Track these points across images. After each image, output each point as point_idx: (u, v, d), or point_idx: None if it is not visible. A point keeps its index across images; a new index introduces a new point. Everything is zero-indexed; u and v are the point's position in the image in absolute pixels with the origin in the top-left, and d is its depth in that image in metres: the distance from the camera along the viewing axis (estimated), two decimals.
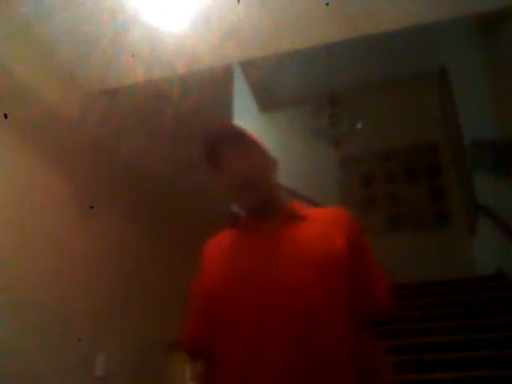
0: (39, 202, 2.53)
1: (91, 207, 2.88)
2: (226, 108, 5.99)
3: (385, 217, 6.31)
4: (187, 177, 4.20)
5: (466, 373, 2.85)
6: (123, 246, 3.22)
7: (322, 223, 1.16)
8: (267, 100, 7.64)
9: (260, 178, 1.17)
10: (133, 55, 2.65)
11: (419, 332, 3.45)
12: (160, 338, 3.44)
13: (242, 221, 1.24)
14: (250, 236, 1.19)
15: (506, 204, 4.20)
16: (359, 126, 6.20)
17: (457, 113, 5.87)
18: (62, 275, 2.58)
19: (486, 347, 3.14)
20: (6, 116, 2.24)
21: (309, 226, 1.15)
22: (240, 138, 1.19)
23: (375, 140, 6.64)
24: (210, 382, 1.15)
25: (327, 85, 6.51)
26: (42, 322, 2.40)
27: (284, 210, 1.20)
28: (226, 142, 1.19)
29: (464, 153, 5.48)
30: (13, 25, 2.45)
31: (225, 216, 5.37)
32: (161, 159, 3.79)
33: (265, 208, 1.20)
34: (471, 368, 2.91)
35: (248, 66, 6.24)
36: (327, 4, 2.35)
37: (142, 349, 3.19)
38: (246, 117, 7.29)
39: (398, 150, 6.71)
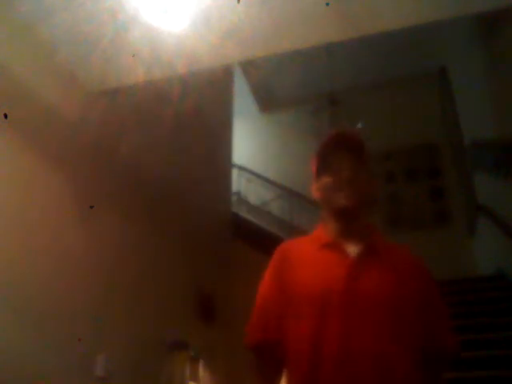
0: (39, 202, 2.53)
1: (91, 207, 2.88)
2: (226, 108, 5.99)
3: (385, 217, 6.31)
4: (187, 177, 4.20)
5: (466, 373, 2.85)
6: (123, 245, 3.22)
7: (398, 266, 1.22)
8: (267, 100, 7.64)
9: (360, 186, 1.23)
10: (133, 55, 2.65)
11: None
12: (160, 337, 3.44)
13: (325, 237, 1.26)
14: (331, 254, 1.21)
15: (506, 204, 4.20)
16: (359, 125, 6.20)
17: (457, 113, 5.87)
18: (62, 275, 2.58)
19: (485, 347, 3.14)
20: (6, 116, 2.24)
21: (386, 265, 1.20)
22: (358, 150, 1.25)
23: (375, 140, 6.63)
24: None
25: (327, 85, 6.51)
26: (42, 322, 2.40)
27: (368, 237, 1.24)
28: (344, 147, 1.25)
29: (464, 153, 5.48)
30: (13, 25, 2.45)
31: (225, 217, 5.37)
32: (161, 159, 3.79)
33: (353, 217, 1.24)
34: (471, 368, 2.91)
35: (248, 65, 6.24)
36: (327, 4, 2.35)
37: (142, 349, 3.19)
38: (246, 117, 7.30)
39: (398, 150, 6.72)
